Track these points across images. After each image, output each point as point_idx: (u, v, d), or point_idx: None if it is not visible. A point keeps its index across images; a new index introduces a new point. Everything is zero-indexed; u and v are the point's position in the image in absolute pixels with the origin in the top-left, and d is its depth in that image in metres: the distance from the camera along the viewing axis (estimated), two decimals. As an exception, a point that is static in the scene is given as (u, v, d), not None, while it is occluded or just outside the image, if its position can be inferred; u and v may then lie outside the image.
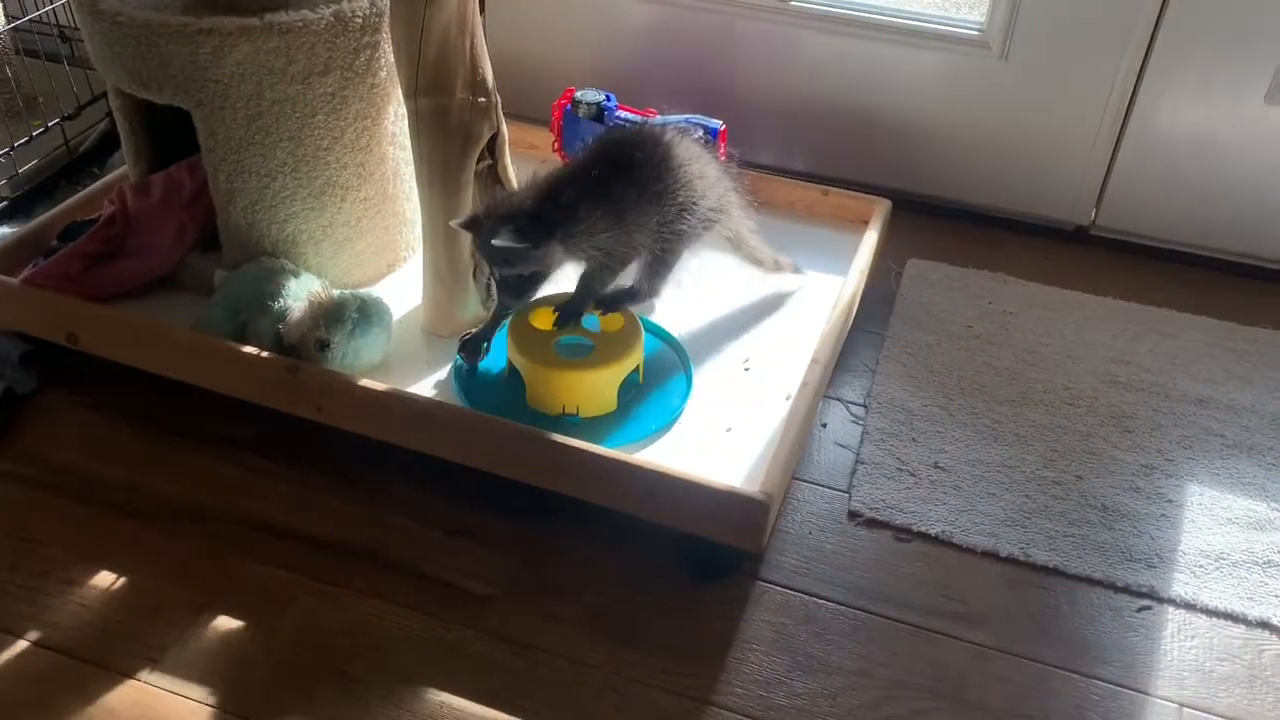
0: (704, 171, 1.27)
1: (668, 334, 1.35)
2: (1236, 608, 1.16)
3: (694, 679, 1.07)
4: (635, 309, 1.29)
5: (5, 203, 1.65)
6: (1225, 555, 1.21)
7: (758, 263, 1.41)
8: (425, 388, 1.26)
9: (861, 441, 1.34)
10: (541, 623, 1.12)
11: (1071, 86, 1.63)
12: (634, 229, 1.22)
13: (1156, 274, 1.67)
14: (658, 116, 1.56)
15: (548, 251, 1.17)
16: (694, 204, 1.25)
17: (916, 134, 1.73)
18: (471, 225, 1.19)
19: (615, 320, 1.28)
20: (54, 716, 1.01)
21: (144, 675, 1.05)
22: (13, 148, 1.66)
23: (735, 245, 1.37)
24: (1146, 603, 1.17)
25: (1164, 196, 1.67)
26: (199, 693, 1.04)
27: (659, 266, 1.28)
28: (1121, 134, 1.64)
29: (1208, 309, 1.58)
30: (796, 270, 1.46)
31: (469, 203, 1.27)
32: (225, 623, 1.10)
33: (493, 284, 1.33)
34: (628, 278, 1.28)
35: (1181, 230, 1.69)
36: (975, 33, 1.64)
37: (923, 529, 1.23)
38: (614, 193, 1.20)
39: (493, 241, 1.14)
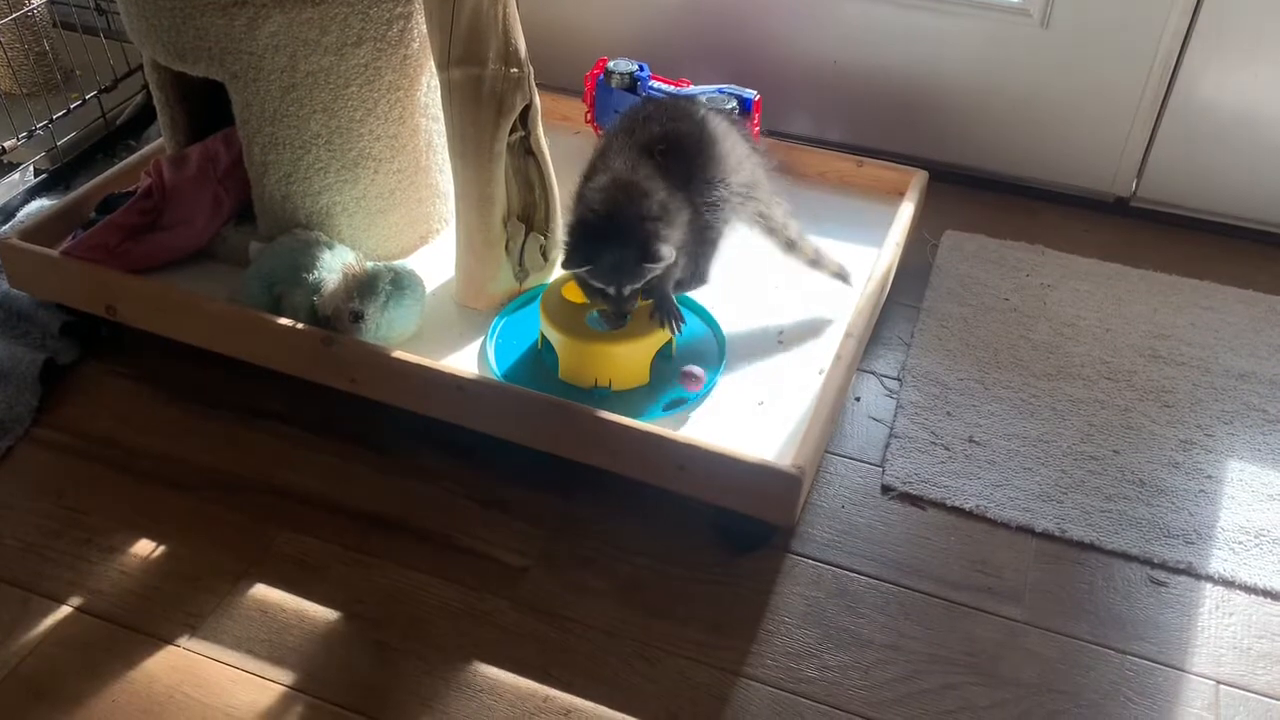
0: (734, 148, 1.26)
1: (700, 307, 1.35)
2: (1276, 585, 1.14)
3: (725, 650, 1.08)
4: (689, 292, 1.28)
5: (44, 175, 1.67)
6: (1265, 532, 1.20)
7: (790, 246, 1.34)
8: (458, 360, 1.27)
9: (895, 415, 1.33)
10: (574, 594, 1.12)
11: (1113, 55, 1.59)
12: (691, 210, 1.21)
13: (1198, 246, 1.64)
14: (691, 87, 1.55)
15: (667, 258, 1.14)
16: (725, 181, 1.23)
17: (954, 103, 1.71)
18: (581, 261, 1.14)
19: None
20: (96, 680, 1.03)
21: (183, 641, 1.07)
22: (51, 120, 1.68)
23: (768, 228, 1.32)
24: (1161, 576, 1.16)
25: (1207, 168, 1.63)
26: (236, 659, 1.05)
27: (705, 248, 1.25)
28: (1164, 103, 1.61)
29: (1251, 282, 1.55)
30: (844, 275, 1.37)
31: (502, 174, 1.27)
32: (262, 591, 1.12)
33: (525, 256, 1.33)
34: None
35: (1225, 202, 1.65)
36: None
37: (956, 503, 1.22)
38: (674, 174, 1.18)
39: (647, 265, 1.11)
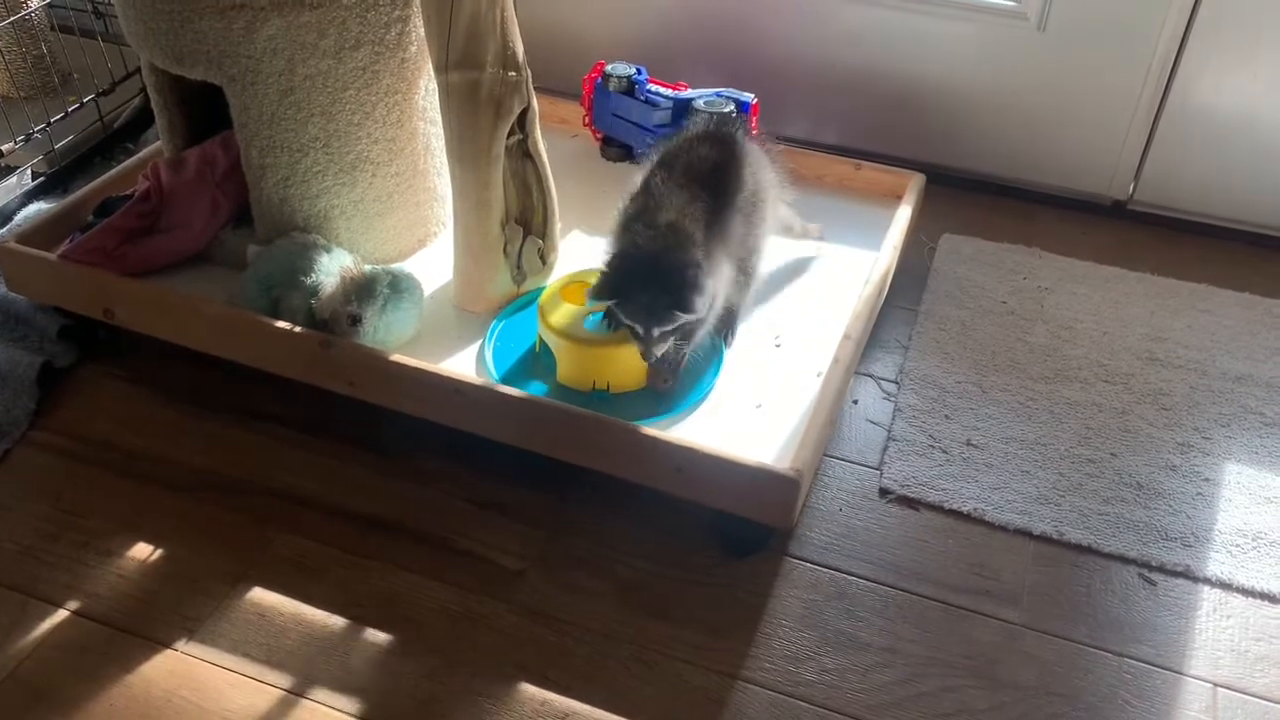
0: (761, 163, 1.27)
1: (698, 309, 1.35)
2: (1274, 588, 1.14)
3: (723, 653, 1.08)
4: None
5: (42, 178, 1.67)
6: (1263, 534, 1.20)
7: (789, 230, 1.41)
8: (456, 363, 1.27)
9: (893, 418, 1.33)
10: (572, 596, 1.12)
11: (1110, 58, 1.60)
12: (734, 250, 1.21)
13: (1196, 249, 1.64)
14: (689, 90, 1.55)
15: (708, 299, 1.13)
16: (763, 202, 1.25)
17: (951, 106, 1.71)
18: (610, 294, 1.12)
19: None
20: (92, 684, 1.03)
21: (180, 645, 1.07)
22: (49, 123, 1.68)
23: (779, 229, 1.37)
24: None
25: (1204, 171, 1.64)
26: (234, 662, 1.05)
27: (748, 279, 1.27)
28: (1161, 106, 1.61)
29: (1248, 285, 1.55)
30: (820, 237, 1.46)
31: (500, 178, 1.27)
32: (259, 594, 1.12)
33: (523, 259, 1.33)
34: None
35: (1222, 205, 1.66)
36: (1012, 2, 1.62)
37: (954, 506, 1.22)
38: (722, 216, 1.18)
39: (678, 313, 1.10)
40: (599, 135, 1.64)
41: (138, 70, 1.76)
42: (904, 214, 1.47)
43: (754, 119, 1.53)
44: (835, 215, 1.52)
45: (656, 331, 1.12)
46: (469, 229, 1.30)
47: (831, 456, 1.29)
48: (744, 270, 1.26)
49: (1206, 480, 1.26)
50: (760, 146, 1.30)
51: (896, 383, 1.39)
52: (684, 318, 1.11)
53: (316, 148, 1.30)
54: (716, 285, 1.16)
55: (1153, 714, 1.03)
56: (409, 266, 1.38)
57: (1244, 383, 1.39)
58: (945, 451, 1.29)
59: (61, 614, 1.10)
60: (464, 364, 1.27)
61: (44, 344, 1.38)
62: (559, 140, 1.62)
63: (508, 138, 1.26)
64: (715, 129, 1.26)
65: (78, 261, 1.32)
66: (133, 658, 1.06)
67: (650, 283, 1.11)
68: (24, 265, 1.36)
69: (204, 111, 1.39)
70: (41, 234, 1.39)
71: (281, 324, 1.24)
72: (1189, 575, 1.16)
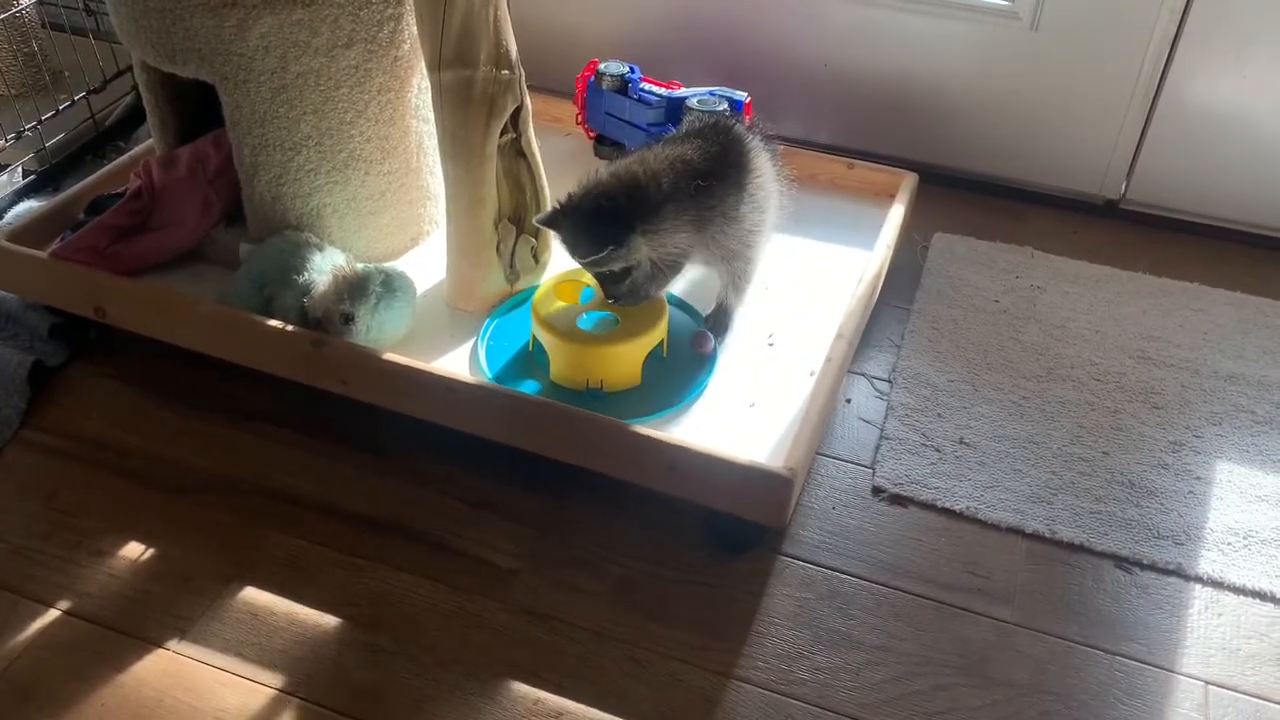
0: (767, 173, 1.29)
1: (692, 308, 1.35)
2: (1265, 586, 1.15)
3: (716, 653, 1.08)
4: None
5: (33, 176, 1.66)
6: (1254, 533, 1.20)
7: (736, 289, 1.34)
8: (449, 362, 1.27)
9: (886, 417, 1.34)
10: (565, 595, 1.12)
11: (1103, 57, 1.60)
12: (716, 235, 1.22)
13: (1188, 249, 1.65)
14: (682, 89, 1.55)
15: (631, 248, 1.15)
16: (765, 211, 1.26)
17: (944, 106, 1.71)
18: (550, 221, 1.18)
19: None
20: (84, 684, 1.03)
21: (172, 644, 1.07)
22: (40, 122, 1.67)
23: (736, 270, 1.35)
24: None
25: (1197, 170, 1.64)
26: (226, 662, 1.05)
27: (741, 281, 1.29)
28: (1154, 106, 1.62)
29: (1240, 284, 1.56)
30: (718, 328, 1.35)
31: (493, 176, 1.27)
32: (252, 593, 1.11)
33: (516, 258, 1.33)
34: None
35: (1214, 205, 1.66)
36: (1005, 1, 1.62)
37: (947, 505, 1.22)
38: (707, 196, 1.19)
39: (591, 251, 1.14)
40: (592, 134, 1.64)
41: (129, 68, 1.75)
42: (897, 213, 1.47)
43: (747, 117, 1.52)
44: (828, 214, 1.53)
45: (582, 260, 1.17)
46: (462, 227, 1.30)
47: (824, 455, 1.29)
48: (739, 269, 1.26)
49: (1198, 479, 1.26)
50: (770, 150, 1.30)
51: (889, 381, 1.39)
52: (596, 257, 1.14)
53: (309, 146, 1.29)
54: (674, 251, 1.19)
55: (1145, 712, 1.04)
56: (402, 265, 1.38)
57: (1235, 381, 1.39)
58: (938, 450, 1.29)
59: (53, 613, 1.09)
60: (457, 363, 1.27)
61: (34, 343, 1.38)
62: (552, 139, 1.63)
63: (501, 136, 1.26)
64: (732, 124, 1.29)
65: (69, 260, 1.31)
66: (124, 657, 1.05)
67: (583, 219, 1.16)
68: (15, 263, 1.35)
69: (196, 109, 1.39)
70: (32, 232, 1.38)
71: (274, 323, 1.24)
72: (1180, 573, 1.16)
